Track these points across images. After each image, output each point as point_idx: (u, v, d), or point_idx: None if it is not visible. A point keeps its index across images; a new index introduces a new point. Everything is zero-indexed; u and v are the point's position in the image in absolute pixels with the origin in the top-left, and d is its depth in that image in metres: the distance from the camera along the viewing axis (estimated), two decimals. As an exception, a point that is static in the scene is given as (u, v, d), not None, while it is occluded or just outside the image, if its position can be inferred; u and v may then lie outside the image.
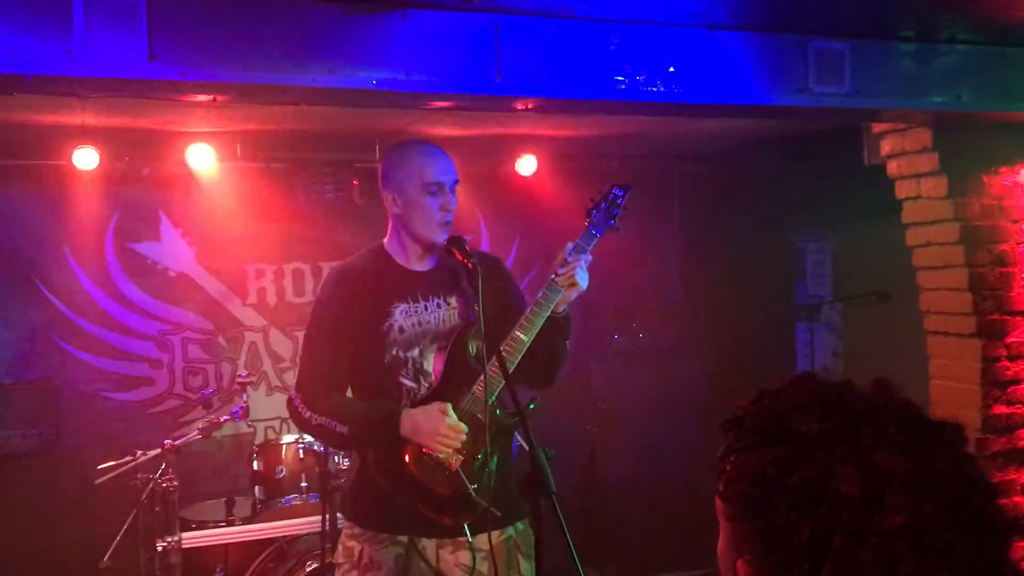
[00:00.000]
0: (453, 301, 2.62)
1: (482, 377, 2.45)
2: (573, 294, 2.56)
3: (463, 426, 2.47)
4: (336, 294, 2.62)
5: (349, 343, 2.58)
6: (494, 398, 2.48)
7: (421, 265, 2.65)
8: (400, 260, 2.65)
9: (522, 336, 2.50)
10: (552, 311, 2.56)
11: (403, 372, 2.57)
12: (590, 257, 2.59)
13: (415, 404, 2.53)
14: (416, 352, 2.58)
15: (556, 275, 2.53)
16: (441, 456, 2.47)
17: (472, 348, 2.56)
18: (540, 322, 2.51)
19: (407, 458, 2.47)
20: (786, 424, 0.99)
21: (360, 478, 2.62)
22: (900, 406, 1.02)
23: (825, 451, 0.95)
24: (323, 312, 2.63)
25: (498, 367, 2.37)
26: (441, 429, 2.44)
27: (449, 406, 2.48)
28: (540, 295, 2.54)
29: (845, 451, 0.95)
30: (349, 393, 2.68)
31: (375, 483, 2.54)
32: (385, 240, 2.70)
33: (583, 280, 2.55)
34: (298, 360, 2.73)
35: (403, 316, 2.57)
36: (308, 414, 2.53)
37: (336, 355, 2.59)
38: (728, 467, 1.03)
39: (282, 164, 5.42)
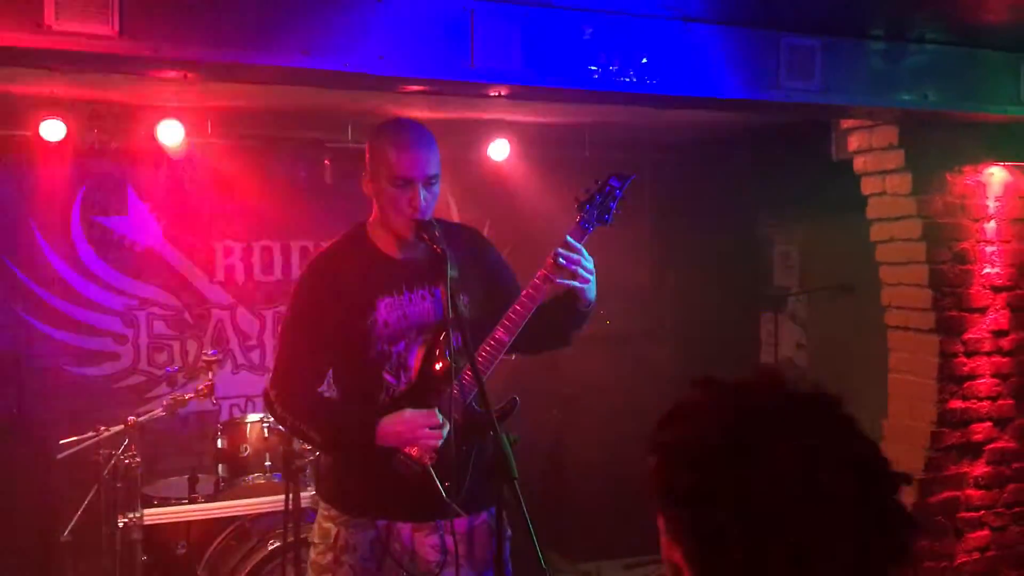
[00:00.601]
0: (438, 292, 2.50)
1: (459, 375, 2.41)
2: (589, 291, 2.47)
3: (442, 427, 2.43)
4: (317, 285, 2.52)
5: (330, 337, 2.50)
6: (468, 398, 2.45)
7: (405, 253, 2.54)
8: (383, 247, 2.54)
9: (504, 338, 2.43)
10: (578, 305, 2.49)
11: (387, 366, 2.50)
12: (575, 254, 2.46)
13: (392, 400, 2.49)
14: (401, 346, 2.50)
15: (538, 276, 2.45)
16: (415, 455, 2.44)
17: (454, 342, 2.44)
18: (524, 323, 2.44)
19: (383, 454, 2.46)
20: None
21: (336, 463, 2.61)
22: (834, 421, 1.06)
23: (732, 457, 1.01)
24: (302, 304, 2.53)
25: (472, 371, 2.31)
26: (419, 432, 2.41)
27: (434, 412, 2.44)
28: (524, 294, 2.46)
29: (746, 457, 1.00)
30: (331, 377, 2.63)
31: (353, 469, 2.54)
32: (369, 221, 2.59)
33: (576, 279, 2.44)
34: (274, 351, 2.63)
35: (387, 310, 2.48)
36: (283, 413, 2.48)
37: (314, 350, 2.52)
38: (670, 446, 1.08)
39: (253, 142, 5.38)
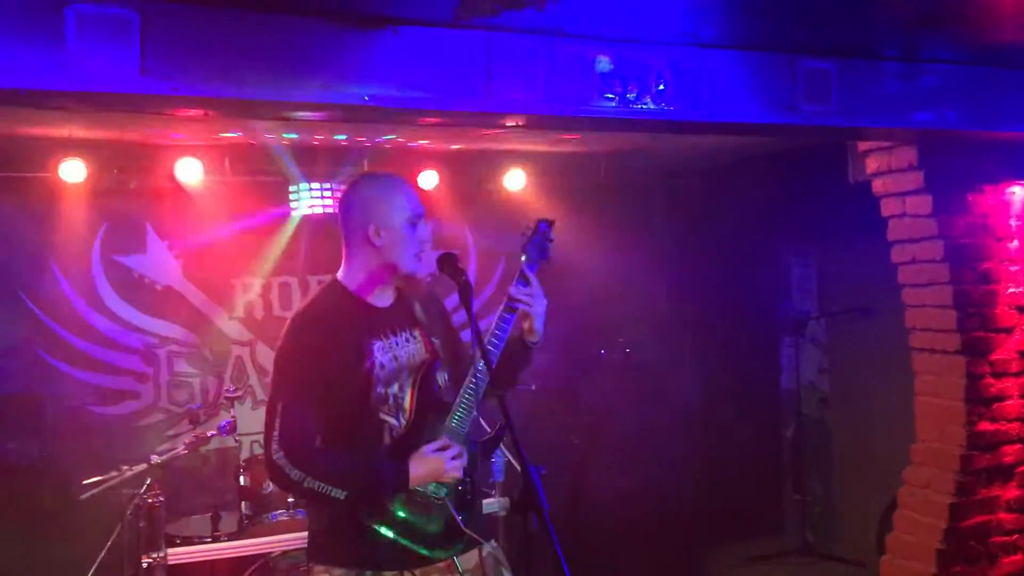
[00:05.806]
0: (418, 334, 2.64)
1: (458, 405, 2.59)
2: (538, 324, 2.68)
3: (460, 456, 2.56)
4: (309, 341, 2.50)
5: (329, 388, 2.48)
6: (466, 428, 2.59)
7: (383, 301, 2.63)
8: (365, 296, 2.60)
9: (484, 370, 2.54)
10: (528, 340, 2.70)
11: (385, 408, 2.55)
12: (529, 287, 2.67)
13: (394, 440, 2.54)
14: (396, 388, 2.56)
15: (502, 309, 2.65)
16: (431, 490, 2.53)
17: (440, 380, 2.64)
18: (499, 351, 2.62)
19: (396, 503, 2.49)
20: None
21: (335, 520, 2.54)
22: None
23: None
24: (297, 363, 2.49)
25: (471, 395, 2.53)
26: (446, 466, 2.53)
27: (447, 442, 2.57)
28: (495, 326, 2.63)
29: None
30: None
31: (358, 524, 2.49)
32: (340, 276, 2.62)
33: (532, 316, 2.67)
34: (268, 418, 2.45)
35: (381, 353, 2.54)
36: (297, 474, 2.40)
37: (317, 405, 2.49)
38: None
39: (269, 178, 5.41)
